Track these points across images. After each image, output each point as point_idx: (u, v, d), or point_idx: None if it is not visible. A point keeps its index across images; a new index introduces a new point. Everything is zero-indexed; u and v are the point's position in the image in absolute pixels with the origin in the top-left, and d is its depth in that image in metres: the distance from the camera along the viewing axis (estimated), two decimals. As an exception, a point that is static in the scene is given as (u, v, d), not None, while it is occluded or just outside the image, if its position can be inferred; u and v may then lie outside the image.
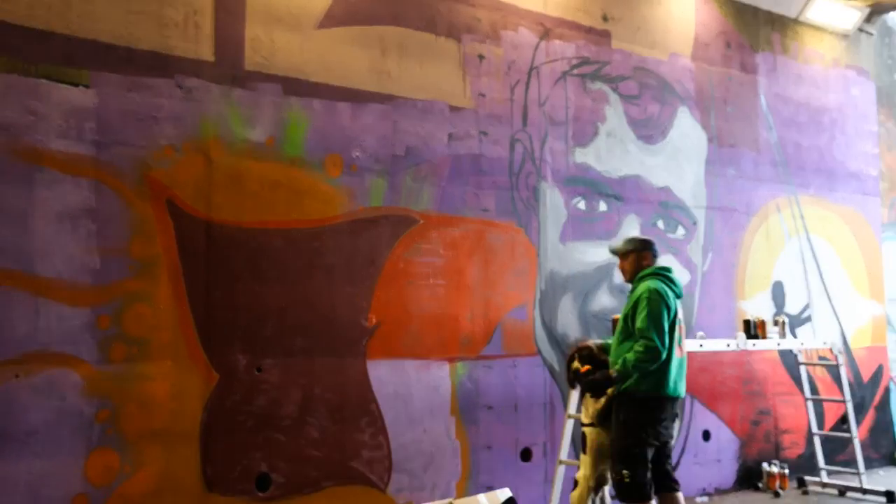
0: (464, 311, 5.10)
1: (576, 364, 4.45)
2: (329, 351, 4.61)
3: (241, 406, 4.31)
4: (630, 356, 4.03)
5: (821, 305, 7.22)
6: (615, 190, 5.90)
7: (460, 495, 4.93)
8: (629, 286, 4.38)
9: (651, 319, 4.00)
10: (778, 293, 6.93)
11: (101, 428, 3.93)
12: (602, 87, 5.91)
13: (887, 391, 7.66)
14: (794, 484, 6.53)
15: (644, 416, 4.07)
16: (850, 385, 6.86)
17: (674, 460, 5.98)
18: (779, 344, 6.01)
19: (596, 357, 4.41)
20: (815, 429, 6.57)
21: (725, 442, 6.41)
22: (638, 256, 4.34)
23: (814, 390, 6.87)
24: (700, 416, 6.29)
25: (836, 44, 7.60)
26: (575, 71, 5.78)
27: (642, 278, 4.25)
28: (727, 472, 6.40)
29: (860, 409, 7.30)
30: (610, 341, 4.43)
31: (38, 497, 3.76)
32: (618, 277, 5.83)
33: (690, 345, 5.56)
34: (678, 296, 4.23)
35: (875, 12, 7.71)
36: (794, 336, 6.49)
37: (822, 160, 7.35)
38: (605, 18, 5.99)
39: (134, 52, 4.12)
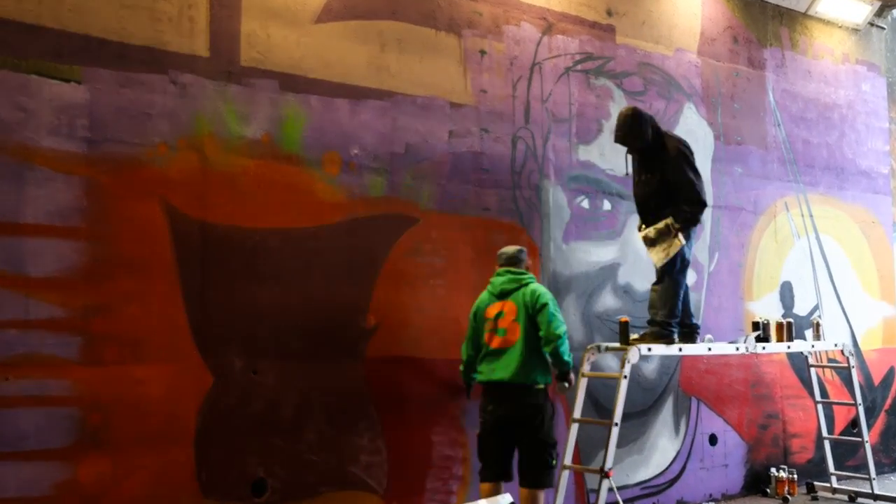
0: (464, 312, 5.00)
1: None
2: (327, 353, 4.53)
3: (236, 409, 4.24)
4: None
5: (830, 306, 7.10)
6: (619, 188, 5.80)
7: (461, 501, 4.86)
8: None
9: None
10: (786, 294, 6.81)
11: (93, 432, 3.85)
12: (606, 84, 5.81)
13: (898, 393, 7.54)
14: (804, 489, 6.42)
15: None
16: (861, 388, 6.73)
17: (679, 465, 5.97)
18: (788, 346, 5.89)
19: None
20: (824, 433, 6.45)
21: (732, 446, 6.31)
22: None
23: (823, 393, 6.76)
24: (706, 420, 6.19)
25: (847, 38, 7.48)
26: (578, 67, 5.68)
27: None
28: (734, 477, 6.30)
29: (871, 413, 7.19)
30: None
31: (28, 502, 3.68)
32: (622, 278, 5.74)
33: (698, 348, 5.43)
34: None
35: (886, 6, 7.60)
36: (804, 338, 6.38)
37: (831, 158, 7.23)
38: (609, 13, 5.89)
39: (127, 47, 4.04)
